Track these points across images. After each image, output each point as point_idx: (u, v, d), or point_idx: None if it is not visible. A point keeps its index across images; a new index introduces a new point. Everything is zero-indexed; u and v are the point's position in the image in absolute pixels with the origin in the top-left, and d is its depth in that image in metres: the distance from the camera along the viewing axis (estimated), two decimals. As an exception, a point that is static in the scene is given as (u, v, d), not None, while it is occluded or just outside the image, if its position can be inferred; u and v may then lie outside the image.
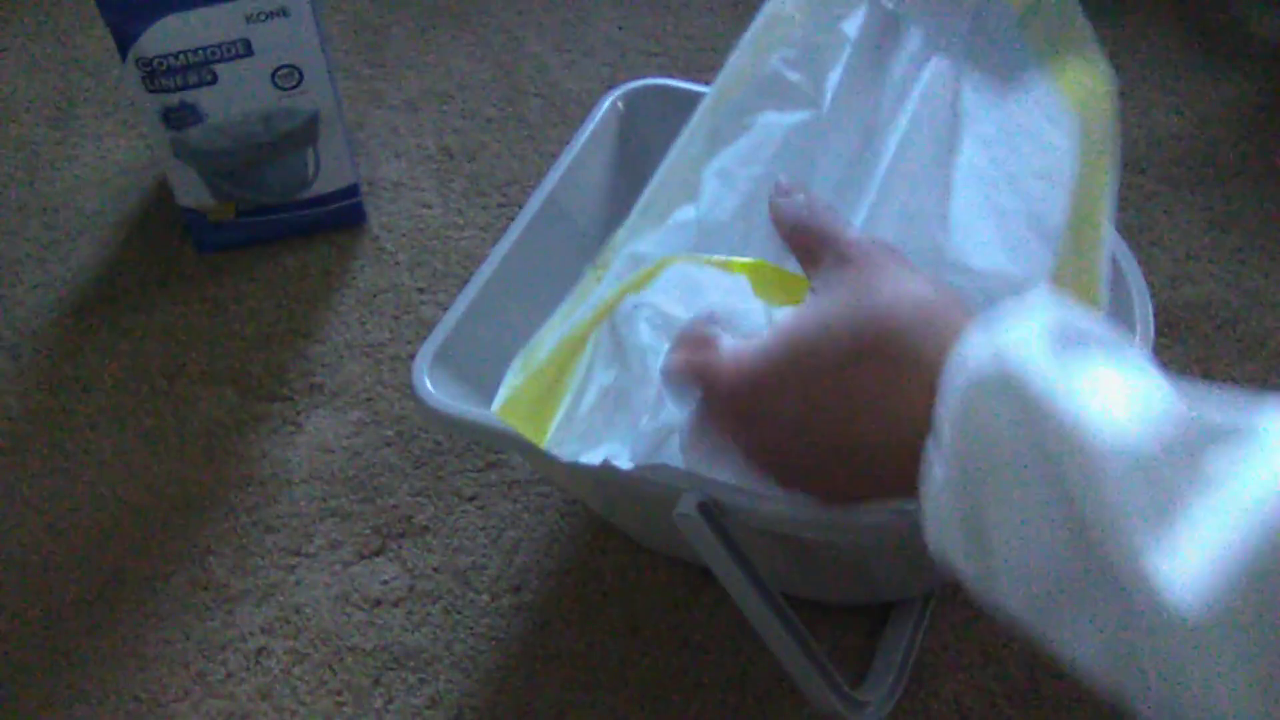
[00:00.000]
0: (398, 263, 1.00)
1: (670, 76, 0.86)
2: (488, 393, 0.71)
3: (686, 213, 0.68)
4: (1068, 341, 0.42)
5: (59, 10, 1.26)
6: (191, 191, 0.98)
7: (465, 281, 0.74)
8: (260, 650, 0.78)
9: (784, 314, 0.51)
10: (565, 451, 0.59)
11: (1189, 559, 0.36)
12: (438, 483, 0.85)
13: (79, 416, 0.91)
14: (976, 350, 0.43)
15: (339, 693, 0.75)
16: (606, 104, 0.84)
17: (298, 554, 0.82)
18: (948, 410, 0.43)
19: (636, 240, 0.67)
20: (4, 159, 1.11)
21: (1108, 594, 0.39)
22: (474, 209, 1.03)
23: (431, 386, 0.68)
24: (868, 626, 0.76)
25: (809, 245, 0.52)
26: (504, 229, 0.77)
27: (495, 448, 0.86)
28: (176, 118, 0.94)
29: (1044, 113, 0.65)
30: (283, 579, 0.81)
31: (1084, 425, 0.39)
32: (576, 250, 0.80)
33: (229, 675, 0.77)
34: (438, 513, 0.83)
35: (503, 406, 0.62)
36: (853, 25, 0.67)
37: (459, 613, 0.79)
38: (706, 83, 0.72)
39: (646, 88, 0.84)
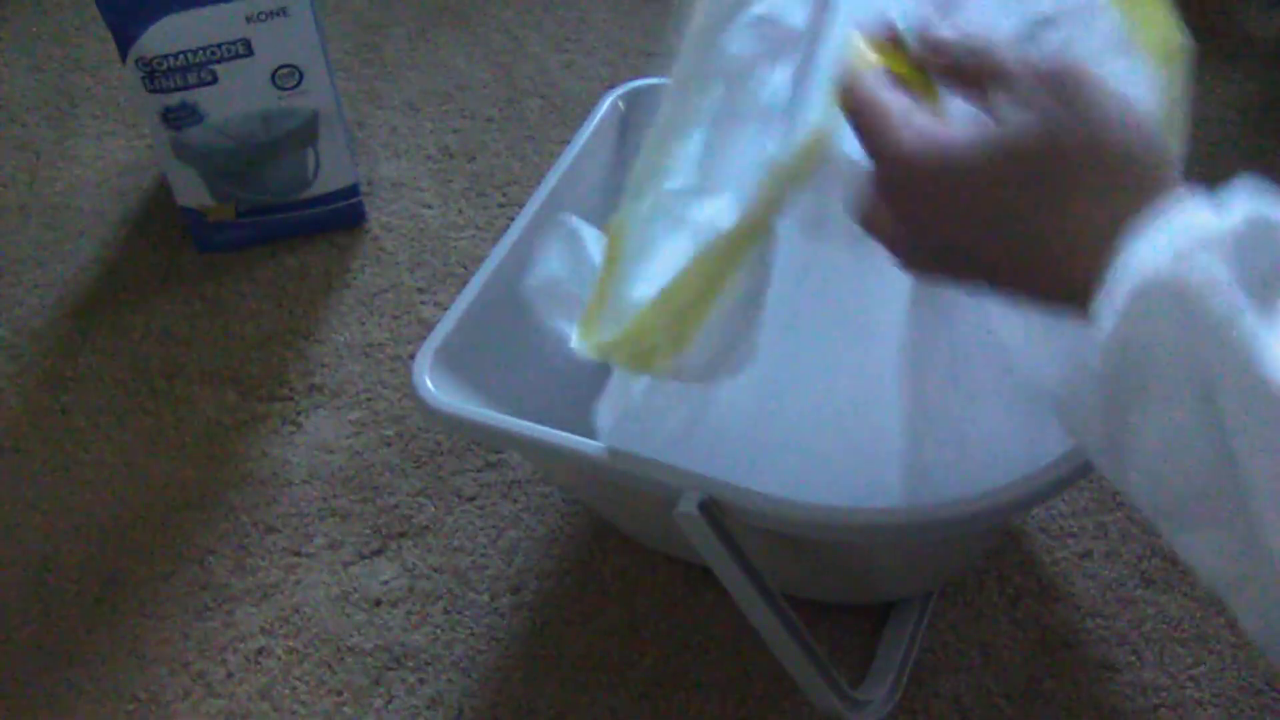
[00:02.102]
0: (398, 263, 1.00)
1: (670, 76, 0.86)
2: (488, 393, 0.71)
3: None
4: (1257, 264, 0.39)
5: (59, 10, 1.26)
6: (191, 191, 0.98)
7: (465, 281, 0.74)
8: (260, 650, 0.78)
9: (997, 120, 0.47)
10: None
11: None
12: (438, 483, 0.85)
13: (79, 416, 0.91)
14: (1158, 248, 0.40)
15: (339, 693, 0.75)
16: (606, 104, 0.84)
17: (298, 554, 0.82)
18: (1114, 303, 0.41)
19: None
20: (4, 159, 1.11)
21: (1236, 525, 0.39)
22: (474, 209, 1.03)
23: (432, 386, 0.68)
24: (868, 626, 0.76)
25: (984, 70, 0.48)
26: (504, 229, 0.77)
27: (495, 448, 0.86)
28: (176, 118, 0.94)
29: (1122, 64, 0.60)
30: (283, 579, 0.81)
31: (1259, 363, 0.38)
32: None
33: (229, 675, 0.77)
34: (438, 513, 0.83)
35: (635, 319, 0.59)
36: None
37: (459, 613, 0.79)
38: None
39: (646, 88, 0.84)
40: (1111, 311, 0.41)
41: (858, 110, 0.48)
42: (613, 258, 0.63)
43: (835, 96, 0.50)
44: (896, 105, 0.47)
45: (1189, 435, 0.40)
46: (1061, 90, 0.44)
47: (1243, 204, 0.40)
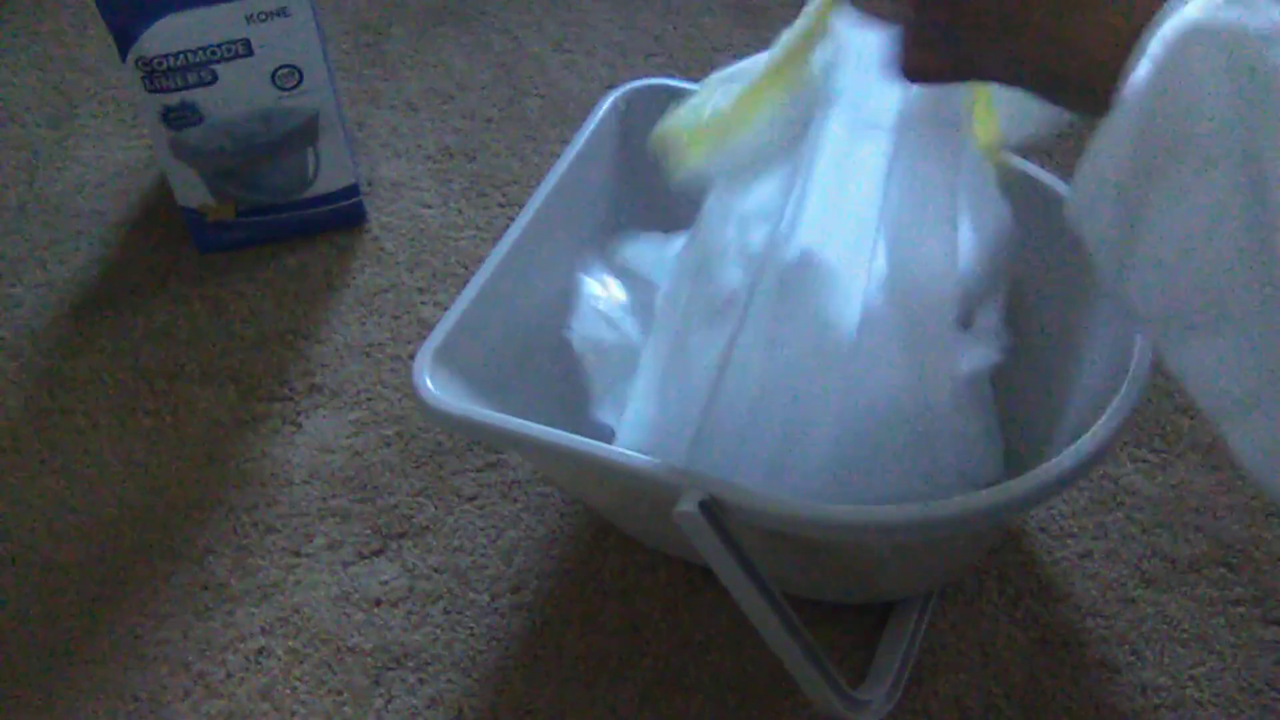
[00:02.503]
0: (398, 263, 1.00)
1: (670, 76, 0.86)
2: (488, 393, 0.71)
3: None
4: None
5: (59, 10, 1.25)
6: (191, 191, 0.98)
7: (465, 281, 0.74)
8: (260, 650, 0.78)
9: None
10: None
11: None
12: (438, 483, 0.85)
13: (79, 416, 0.91)
14: None
15: (339, 693, 0.75)
16: (606, 104, 0.83)
17: (298, 554, 0.82)
18: (1151, 53, 0.35)
19: None
20: (4, 159, 1.11)
21: (1257, 330, 0.34)
22: (474, 209, 1.03)
23: (432, 386, 0.68)
24: (868, 626, 0.76)
25: None
26: (504, 229, 0.77)
27: (495, 448, 0.86)
28: (176, 118, 0.94)
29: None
30: (283, 579, 0.81)
31: None
32: (576, 250, 0.80)
33: (229, 675, 0.77)
34: (438, 513, 0.83)
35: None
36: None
37: (459, 613, 0.79)
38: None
39: (646, 88, 0.84)
40: (1147, 62, 0.35)
41: None
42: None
43: None
44: None
45: (1221, 216, 0.35)
46: None
47: None
